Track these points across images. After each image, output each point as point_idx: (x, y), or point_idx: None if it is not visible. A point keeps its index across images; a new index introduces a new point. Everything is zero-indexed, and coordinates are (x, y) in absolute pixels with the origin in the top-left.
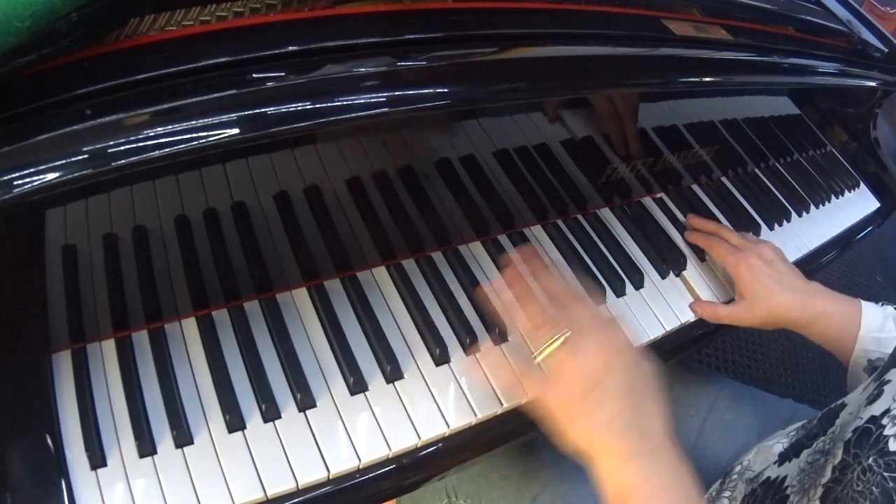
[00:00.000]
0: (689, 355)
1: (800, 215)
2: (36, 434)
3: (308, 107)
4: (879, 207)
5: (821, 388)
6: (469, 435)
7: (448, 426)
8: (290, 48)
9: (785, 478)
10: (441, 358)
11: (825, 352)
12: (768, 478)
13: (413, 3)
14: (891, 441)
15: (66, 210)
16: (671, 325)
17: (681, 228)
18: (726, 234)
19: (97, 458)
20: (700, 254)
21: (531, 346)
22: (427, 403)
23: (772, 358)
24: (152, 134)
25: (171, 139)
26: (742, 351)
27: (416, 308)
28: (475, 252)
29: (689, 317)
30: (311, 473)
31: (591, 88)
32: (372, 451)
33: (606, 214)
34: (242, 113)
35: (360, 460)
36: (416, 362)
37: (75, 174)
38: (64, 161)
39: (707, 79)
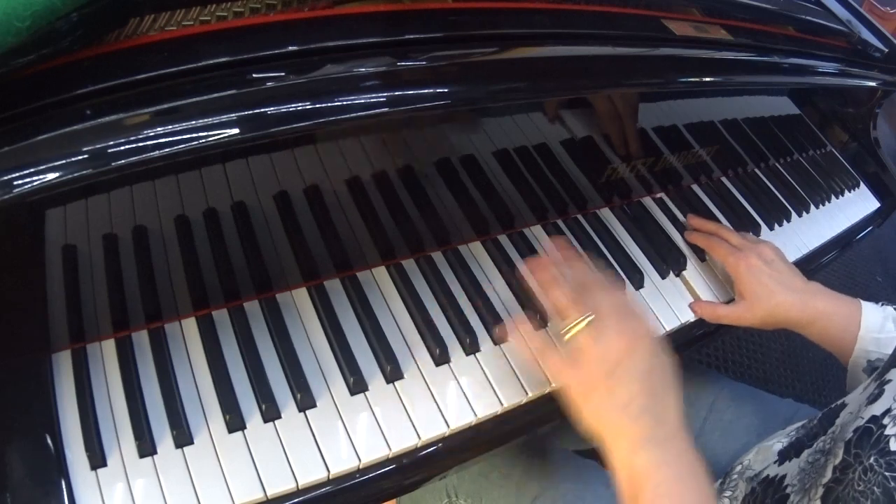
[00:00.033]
0: (689, 355)
1: (800, 215)
2: (36, 434)
3: (308, 107)
4: (879, 207)
5: (821, 388)
6: (469, 435)
7: (448, 426)
8: (290, 48)
9: (784, 476)
10: (441, 358)
11: (825, 352)
12: (768, 476)
13: (413, 3)
14: (892, 441)
15: (66, 210)
16: (671, 325)
17: (681, 228)
18: (726, 234)
19: (97, 458)
20: (700, 254)
21: (559, 326)
22: (427, 403)
23: (772, 358)
24: (152, 134)
25: (171, 139)
26: (742, 351)
27: (416, 308)
28: (475, 252)
29: (689, 317)
30: (311, 473)
31: (591, 88)
32: (372, 451)
33: (606, 214)
34: (242, 113)
35: (360, 460)
36: (416, 362)
37: (75, 174)
38: (64, 161)
39: (707, 79)
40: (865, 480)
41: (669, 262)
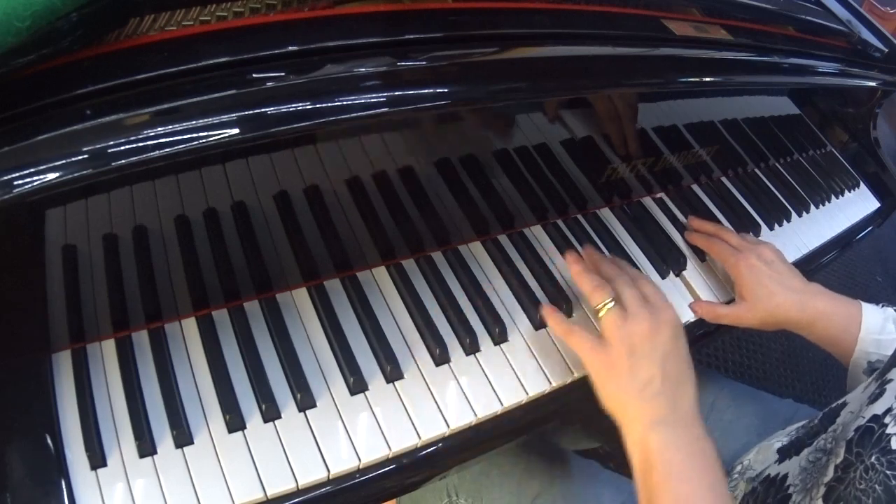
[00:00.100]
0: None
1: (800, 215)
2: (36, 434)
3: (308, 107)
4: (879, 207)
5: (821, 388)
6: (469, 435)
7: (448, 426)
8: (290, 48)
9: (786, 476)
10: (441, 358)
11: (825, 352)
12: (769, 476)
13: (413, 3)
14: (893, 440)
15: (66, 210)
16: None
17: (681, 228)
18: (726, 235)
19: (97, 458)
20: (700, 254)
21: (591, 309)
22: (427, 403)
23: (772, 358)
24: (152, 134)
25: (171, 139)
26: (742, 351)
27: (416, 308)
28: (475, 252)
29: (690, 317)
30: (311, 473)
31: (591, 88)
32: (372, 450)
33: (606, 214)
34: (242, 113)
35: (360, 460)
36: (416, 362)
37: (75, 174)
38: (64, 161)
39: (707, 79)
40: (867, 479)
41: (669, 262)
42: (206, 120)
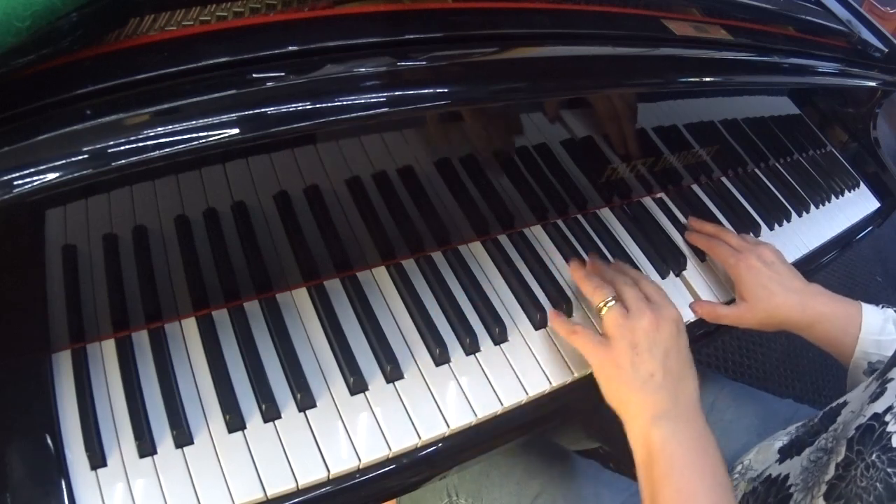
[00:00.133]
0: None
1: (800, 215)
2: (36, 434)
3: (308, 107)
4: (879, 207)
5: (821, 388)
6: (469, 435)
7: (448, 426)
8: (290, 48)
9: (787, 476)
10: (441, 358)
11: (825, 352)
12: (770, 476)
13: (413, 3)
14: (893, 437)
15: (66, 210)
16: None
17: (681, 228)
18: (726, 235)
19: (97, 458)
20: (700, 254)
21: (593, 308)
22: (427, 403)
23: (772, 358)
24: (152, 134)
25: (171, 139)
26: (742, 351)
27: (416, 308)
28: (475, 252)
29: (690, 317)
30: (311, 473)
31: (591, 88)
32: (372, 451)
33: (606, 214)
34: (242, 113)
35: (360, 460)
36: (416, 362)
37: (75, 174)
38: (64, 161)
39: (707, 79)
40: (868, 477)
41: (669, 262)
42: (206, 120)
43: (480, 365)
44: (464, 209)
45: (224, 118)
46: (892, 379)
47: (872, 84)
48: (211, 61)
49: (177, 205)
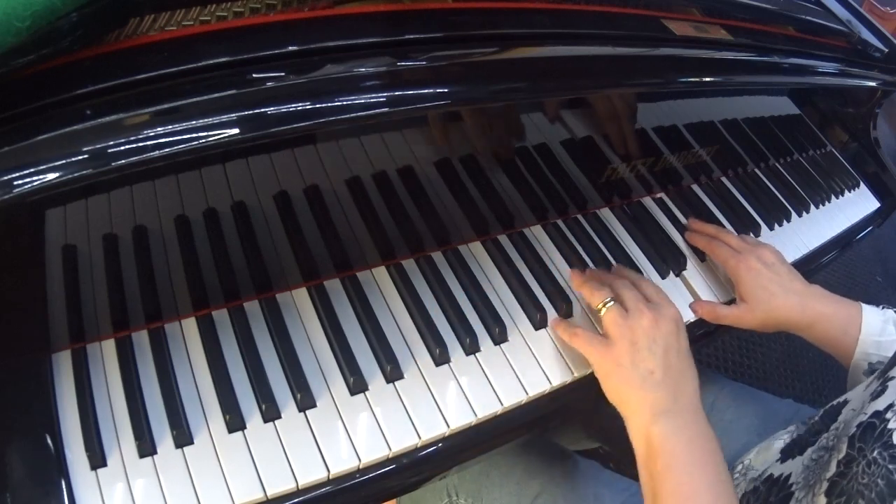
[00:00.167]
0: None
1: (800, 215)
2: (36, 434)
3: (308, 107)
4: (879, 207)
5: (821, 389)
6: (469, 434)
7: (448, 426)
8: (290, 48)
9: (789, 475)
10: (441, 358)
11: (825, 353)
12: (771, 475)
13: (413, 3)
14: (895, 434)
15: (66, 210)
16: None
17: (681, 228)
18: (726, 237)
19: (97, 458)
20: (700, 254)
21: (592, 310)
22: (427, 403)
23: (772, 358)
24: (152, 134)
25: (171, 139)
26: (742, 351)
27: (416, 308)
28: (475, 252)
29: (690, 317)
30: (311, 473)
31: (591, 88)
32: (372, 451)
33: (606, 214)
34: (242, 113)
35: (360, 460)
36: (416, 362)
37: (75, 174)
38: (64, 161)
39: (707, 79)
40: (869, 473)
41: (669, 261)
42: (206, 120)
43: (480, 365)
44: (464, 209)
45: (224, 118)
46: (893, 377)
47: (872, 84)
48: (211, 61)
49: (177, 205)
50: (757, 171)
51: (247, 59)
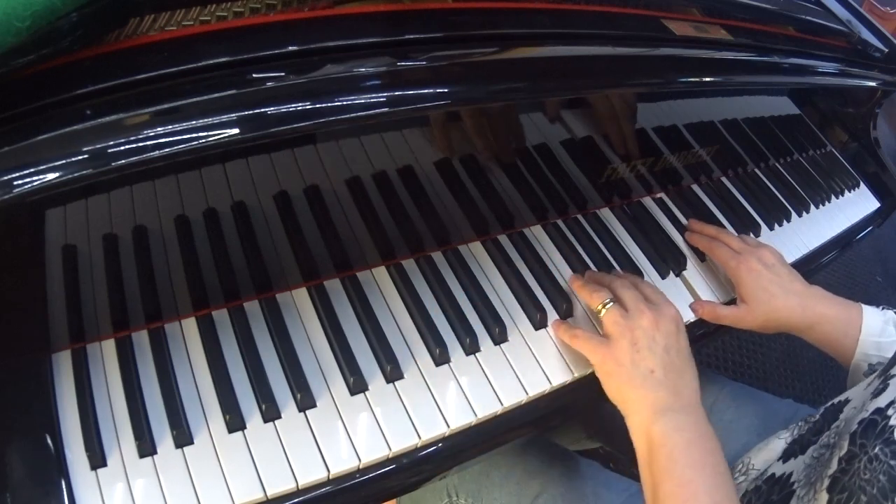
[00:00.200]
0: None
1: (800, 215)
2: (36, 434)
3: (308, 107)
4: (879, 207)
5: (820, 389)
6: (469, 434)
7: (448, 426)
8: (290, 48)
9: (791, 474)
10: (441, 358)
11: (825, 353)
12: (773, 475)
13: (413, 3)
14: None
15: (66, 210)
16: None
17: (681, 228)
18: (726, 237)
19: (97, 458)
20: (700, 254)
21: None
22: (427, 403)
23: (772, 358)
24: (152, 134)
25: (171, 139)
26: (742, 351)
27: (416, 308)
28: (475, 252)
29: (690, 317)
30: (311, 473)
31: (591, 88)
32: (372, 451)
33: (606, 214)
34: (242, 113)
35: (360, 460)
36: (416, 362)
37: (75, 174)
38: (64, 161)
39: (707, 79)
40: (871, 469)
41: (669, 262)
42: (206, 120)
43: (480, 365)
44: (464, 209)
45: (224, 118)
46: (894, 375)
47: (872, 84)
48: (211, 61)
49: (177, 205)
50: (757, 171)
51: (247, 59)
